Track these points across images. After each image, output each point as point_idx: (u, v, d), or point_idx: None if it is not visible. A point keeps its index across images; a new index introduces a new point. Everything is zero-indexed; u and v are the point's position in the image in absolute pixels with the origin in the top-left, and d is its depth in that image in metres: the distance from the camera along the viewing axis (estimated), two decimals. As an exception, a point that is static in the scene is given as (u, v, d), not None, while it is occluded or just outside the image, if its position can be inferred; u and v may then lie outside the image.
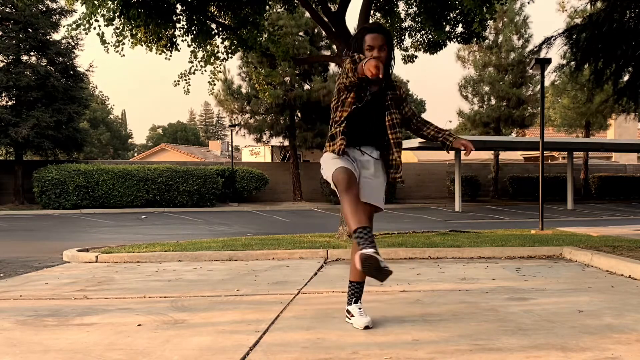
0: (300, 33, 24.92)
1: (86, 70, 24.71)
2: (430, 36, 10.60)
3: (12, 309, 4.11)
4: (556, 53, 57.05)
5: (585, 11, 15.08)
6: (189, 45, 9.86)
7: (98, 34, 8.77)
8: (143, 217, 18.59)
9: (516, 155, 33.42)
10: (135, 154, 63.82)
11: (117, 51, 9.27)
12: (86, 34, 27.83)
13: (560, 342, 2.92)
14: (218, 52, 10.03)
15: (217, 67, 10.33)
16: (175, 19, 9.25)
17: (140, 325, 3.47)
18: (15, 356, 2.86)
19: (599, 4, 7.89)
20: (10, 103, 22.83)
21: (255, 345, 2.97)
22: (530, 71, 25.07)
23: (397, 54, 11.08)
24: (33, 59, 23.38)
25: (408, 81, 50.53)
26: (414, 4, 10.28)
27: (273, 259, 6.89)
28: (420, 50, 10.93)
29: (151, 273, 5.85)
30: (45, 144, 22.44)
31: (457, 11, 9.84)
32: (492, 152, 27.66)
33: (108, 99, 66.60)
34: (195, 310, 3.93)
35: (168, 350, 2.90)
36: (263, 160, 34.07)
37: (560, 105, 27.61)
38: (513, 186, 27.51)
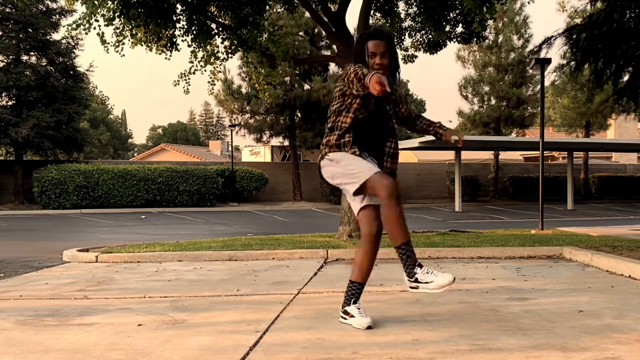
0: (300, 33, 24.92)
1: (86, 70, 24.74)
2: (430, 36, 10.59)
3: (12, 309, 4.11)
4: (556, 53, 57.04)
5: (585, 11, 15.08)
6: (189, 45, 9.86)
7: (98, 34, 8.76)
8: (143, 217, 18.59)
9: (516, 155, 33.43)
10: (135, 154, 63.82)
11: (117, 51, 9.27)
12: (86, 34, 27.86)
13: (560, 342, 2.92)
14: (218, 52, 10.03)
15: (217, 67, 10.32)
16: (175, 19, 9.25)
17: (140, 325, 3.47)
18: (15, 356, 2.86)
19: (599, 4, 7.89)
20: (10, 103, 22.84)
21: (255, 345, 2.97)
22: (530, 71, 25.07)
23: (397, 54, 11.07)
24: (33, 59, 23.38)
25: (408, 81, 50.51)
26: (414, 4, 10.28)
27: (273, 259, 6.89)
28: (420, 50, 10.93)
29: (151, 273, 5.85)
30: (45, 144, 22.45)
31: (457, 11, 9.83)
32: (492, 152, 27.67)
33: (108, 99, 66.68)
34: (195, 310, 3.93)
35: (168, 350, 2.89)
36: (263, 160, 34.07)
37: (560, 105, 27.61)
38: (513, 186, 27.51)
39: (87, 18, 8.28)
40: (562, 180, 26.17)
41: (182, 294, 4.55)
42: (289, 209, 22.64)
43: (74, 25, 8.43)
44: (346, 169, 3.22)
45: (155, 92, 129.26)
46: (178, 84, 10.33)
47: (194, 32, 9.51)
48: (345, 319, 3.38)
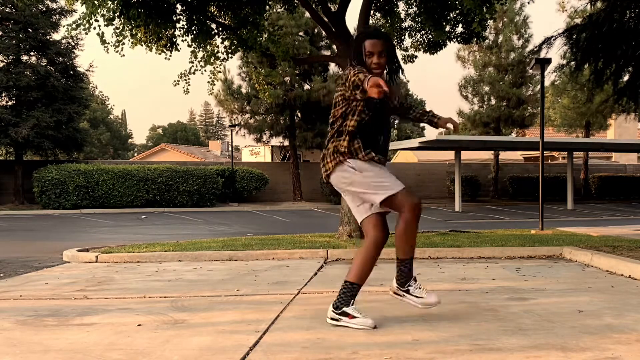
0: (300, 33, 24.92)
1: (86, 70, 24.76)
2: (430, 36, 10.59)
3: (12, 309, 4.11)
4: (556, 53, 57.02)
5: (585, 11, 15.07)
6: (189, 45, 9.86)
7: (98, 34, 8.76)
8: (143, 217, 18.59)
9: (516, 155, 33.43)
10: (135, 154, 63.82)
11: (117, 51, 9.27)
12: (86, 34, 27.86)
13: (560, 342, 2.92)
14: (218, 52, 10.03)
15: (217, 67, 10.32)
16: (175, 19, 9.25)
17: (140, 325, 3.47)
18: (15, 356, 2.86)
19: (599, 4, 7.88)
20: (10, 103, 22.85)
21: (255, 345, 2.97)
22: (530, 71, 25.07)
23: (397, 54, 11.07)
24: (33, 59, 23.40)
25: (408, 81, 50.45)
26: (414, 4, 10.28)
27: (273, 259, 6.89)
28: (420, 50, 10.93)
29: (151, 273, 5.85)
30: (45, 144, 22.46)
31: (457, 11, 9.83)
32: (492, 152, 27.67)
33: (108, 99, 66.66)
34: (195, 310, 3.93)
35: (168, 350, 2.89)
36: (263, 160, 34.07)
37: (560, 105, 27.61)
38: (513, 186, 27.52)
39: (87, 18, 8.28)
40: (562, 180, 26.17)
41: (182, 294, 4.55)
42: (289, 209, 22.64)
43: (74, 25, 8.43)
44: (372, 180, 3.29)
45: (155, 92, 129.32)
46: (178, 84, 10.34)
47: (194, 32, 9.51)
48: (338, 320, 3.31)
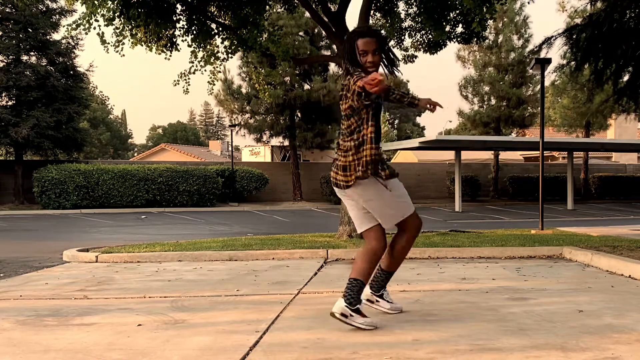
0: (300, 33, 24.92)
1: (86, 70, 24.73)
2: (430, 36, 10.59)
3: (12, 309, 4.11)
4: (556, 53, 57.09)
5: (585, 11, 15.08)
6: (189, 45, 9.86)
7: (98, 34, 8.76)
8: (143, 217, 18.59)
9: (516, 155, 33.42)
10: (135, 154, 63.82)
11: (117, 51, 9.27)
12: (86, 34, 27.87)
13: (560, 342, 2.92)
14: (218, 52, 10.03)
15: (217, 67, 10.32)
16: (175, 19, 9.25)
17: (140, 325, 3.47)
18: (15, 356, 2.86)
19: (599, 4, 7.88)
20: (10, 103, 22.83)
21: (255, 345, 2.97)
22: (530, 71, 25.06)
23: (397, 54, 11.07)
24: (33, 59, 23.38)
25: (408, 81, 50.56)
26: (414, 4, 10.27)
27: (273, 259, 6.89)
28: (420, 50, 10.92)
29: (151, 273, 5.85)
30: (45, 144, 22.44)
31: (457, 11, 9.83)
32: (492, 152, 27.67)
33: (108, 99, 66.64)
34: (195, 310, 3.93)
35: (168, 350, 2.90)
36: (263, 160, 34.06)
37: (560, 105, 27.60)
38: (513, 186, 27.51)
39: (87, 18, 8.28)
40: (562, 180, 26.17)
41: (182, 294, 4.55)
42: (289, 209, 22.64)
43: (74, 25, 8.43)
44: (398, 200, 3.37)
45: (155, 92, 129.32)
46: (178, 84, 10.33)
47: (194, 32, 9.51)
48: (349, 316, 3.20)
